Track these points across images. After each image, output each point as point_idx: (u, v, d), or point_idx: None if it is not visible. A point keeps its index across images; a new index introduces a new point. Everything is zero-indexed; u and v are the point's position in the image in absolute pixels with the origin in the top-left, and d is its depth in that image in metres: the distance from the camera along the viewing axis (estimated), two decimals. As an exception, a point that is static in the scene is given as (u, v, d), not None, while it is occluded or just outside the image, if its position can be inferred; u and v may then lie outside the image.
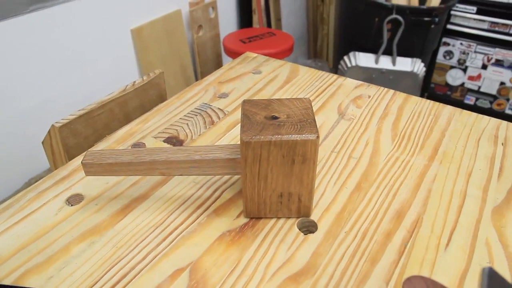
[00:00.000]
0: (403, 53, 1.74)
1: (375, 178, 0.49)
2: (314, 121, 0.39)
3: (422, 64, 1.74)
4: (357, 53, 1.78)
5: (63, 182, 0.48)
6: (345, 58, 1.81)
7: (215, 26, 1.86)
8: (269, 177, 0.40)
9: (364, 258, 0.39)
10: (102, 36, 1.45)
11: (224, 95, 0.66)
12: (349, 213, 0.44)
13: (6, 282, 0.37)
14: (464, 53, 2.00)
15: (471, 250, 0.41)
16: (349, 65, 1.78)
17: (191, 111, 0.62)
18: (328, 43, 2.50)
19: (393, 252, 0.40)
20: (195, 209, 0.45)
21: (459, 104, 2.12)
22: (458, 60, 2.03)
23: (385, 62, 1.75)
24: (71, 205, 0.45)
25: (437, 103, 0.65)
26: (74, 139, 0.61)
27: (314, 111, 0.61)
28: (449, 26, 1.99)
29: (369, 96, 0.66)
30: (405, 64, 1.74)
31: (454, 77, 2.09)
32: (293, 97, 0.44)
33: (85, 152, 0.43)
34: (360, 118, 0.61)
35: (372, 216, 0.44)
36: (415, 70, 1.72)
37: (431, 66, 2.11)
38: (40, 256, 0.39)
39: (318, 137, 0.37)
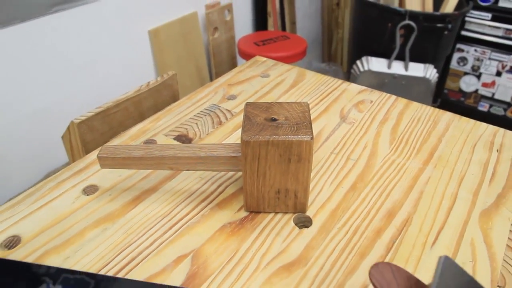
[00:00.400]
0: (416, 58, 1.75)
1: (370, 179, 0.52)
2: (310, 123, 0.42)
3: (435, 70, 1.75)
4: (369, 57, 1.80)
5: (80, 173, 0.53)
6: (358, 62, 1.83)
7: (230, 28, 1.90)
8: (267, 174, 0.43)
9: (354, 253, 0.42)
10: (120, 37, 1.50)
11: (232, 97, 0.69)
12: (343, 211, 0.47)
13: (28, 260, 0.41)
14: (478, 59, 2.00)
15: (456, 249, 0.44)
16: (361, 69, 1.80)
17: (201, 111, 0.66)
18: (343, 47, 2.52)
19: (381, 248, 0.43)
20: (200, 202, 0.48)
21: (473, 110, 2.12)
22: (472, 67, 2.03)
23: (397, 67, 1.77)
24: (87, 195, 0.49)
25: (437, 110, 0.67)
26: (91, 135, 0.65)
27: (317, 114, 0.64)
28: (464, 33, 1.99)
29: (371, 101, 0.69)
30: (418, 69, 1.75)
31: (468, 84, 2.09)
32: (293, 101, 0.47)
33: (100, 147, 0.47)
34: (361, 122, 0.63)
35: (365, 214, 0.47)
36: (427, 76, 1.74)
37: (444, 72, 2.11)
38: (58, 239, 0.43)
39: (312, 138, 0.40)
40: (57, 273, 0.38)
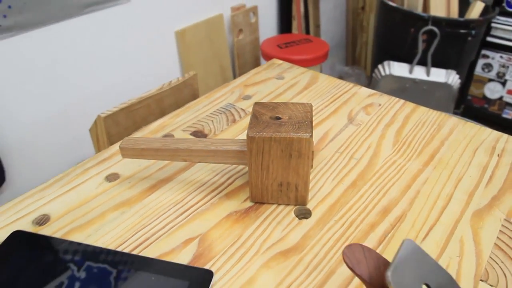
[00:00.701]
0: (438, 64, 1.75)
1: (370, 177, 0.56)
2: (311, 123, 0.46)
3: (457, 76, 1.75)
4: (391, 62, 1.81)
5: (104, 162, 0.58)
6: (379, 66, 1.84)
7: (255, 30, 1.95)
8: (270, 168, 0.47)
9: (347, 243, 0.46)
10: (148, 37, 1.57)
11: (247, 97, 0.74)
12: (341, 205, 0.51)
13: (56, 236, 0.46)
14: (503, 66, 1.98)
15: (445, 245, 0.47)
16: (383, 73, 1.81)
17: (217, 109, 0.70)
18: (367, 51, 2.53)
19: (374, 241, 0.47)
20: (210, 192, 0.53)
21: (497, 118, 2.10)
22: (497, 73, 2.02)
23: (419, 72, 1.77)
24: (109, 182, 0.54)
25: (443, 114, 0.70)
26: (116, 128, 0.71)
27: (326, 115, 0.68)
28: (489, 39, 1.98)
29: (380, 105, 0.72)
30: (439, 75, 1.75)
31: (492, 90, 2.07)
32: (298, 102, 0.51)
33: (124, 138, 0.52)
34: (367, 124, 0.67)
35: (361, 209, 0.51)
36: (449, 82, 1.74)
37: (468, 78, 2.10)
38: (82, 219, 0.49)
39: (311, 136, 0.44)
40: (82, 261, 0.43)
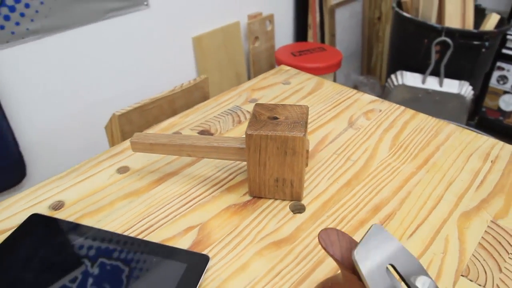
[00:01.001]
0: (452, 75, 1.76)
1: (364, 178, 0.58)
2: (306, 123, 0.50)
3: (470, 87, 1.76)
4: (404, 72, 1.83)
5: (116, 156, 0.62)
6: (392, 76, 1.86)
7: (270, 38, 1.99)
8: (267, 164, 0.51)
9: (337, 236, 0.49)
10: (166, 42, 1.63)
11: (254, 100, 0.78)
12: (334, 203, 0.54)
13: (69, 219, 0.51)
14: (519, 79, 1.98)
15: (430, 242, 0.49)
16: (395, 83, 1.83)
17: (224, 111, 0.74)
18: (382, 61, 2.54)
19: (362, 236, 0.49)
20: (212, 186, 0.57)
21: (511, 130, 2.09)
22: (513, 86, 2.01)
23: (432, 83, 1.79)
24: (120, 174, 0.59)
25: (442, 121, 0.72)
26: (129, 126, 0.75)
27: (327, 119, 0.71)
28: (504, 51, 1.98)
29: (380, 110, 0.75)
30: (452, 86, 1.76)
31: (508, 103, 2.07)
32: (295, 104, 0.54)
33: (135, 134, 0.56)
34: (366, 128, 0.70)
35: (353, 207, 0.54)
36: (462, 93, 1.74)
37: (483, 90, 2.10)
38: (93, 206, 0.53)
39: (304, 135, 0.48)
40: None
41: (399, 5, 1.92)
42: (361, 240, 0.30)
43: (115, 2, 1.45)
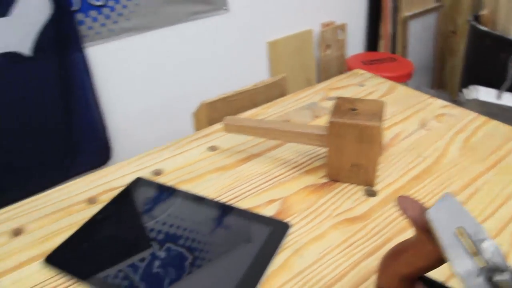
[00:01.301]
0: (530, 92, 1.71)
1: (433, 173, 0.62)
2: (381, 115, 0.55)
3: (549, 106, 1.69)
4: (478, 86, 1.80)
5: (205, 137, 0.71)
6: (465, 90, 1.84)
7: (342, 46, 2.04)
8: (345, 151, 0.56)
9: (405, 222, 0.54)
10: (242, 45, 1.73)
11: (331, 98, 0.83)
12: (404, 192, 0.59)
13: (167, 184, 0.59)
14: None
15: (497, 234, 0.52)
16: (468, 98, 1.80)
17: (303, 106, 0.81)
18: (455, 75, 2.49)
19: (430, 222, 0.54)
20: (292, 168, 0.63)
21: None
22: None
23: (507, 99, 1.74)
24: (211, 151, 0.67)
25: (516, 129, 0.74)
26: (215, 114, 0.84)
27: (399, 119, 0.76)
28: None
29: (452, 115, 0.77)
30: (529, 103, 1.70)
31: None
32: (372, 99, 0.59)
33: (225, 117, 0.64)
34: (437, 130, 0.73)
35: (421, 197, 0.58)
36: (539, 111, 1.68)
37: None
38: (187, 175, 0.61)
39: (380, 125, 0.53)
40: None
41: (476, 18, 1.89)
42: (433, 204, 0.35)
43: (199, 5, 1.58)
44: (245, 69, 1.77)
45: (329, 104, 0.82)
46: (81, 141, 1.43)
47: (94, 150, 1.47)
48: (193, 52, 1.60)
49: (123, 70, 1.44)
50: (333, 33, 1.98)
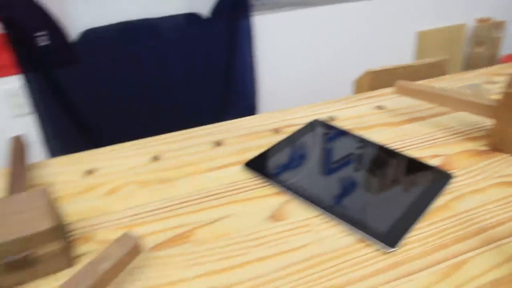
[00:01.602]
0: None
1: None
2: None
3: None
4: None
5: (373, 98, 0.80)
6: None
7: (496, 45, 1.94)
8: (515, 121, 0.61)
9: None
10: (388, 32, 1.76)
11: (494, 82, 0.86)
12: None
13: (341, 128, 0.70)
14: None
15: None
16: None
17: (464, 85, 0.85)
18: None
19: None
20: (451, 134, 0.69)
21: None
22: None
23: None
24: (377, 110, 0.76)
25: None
26: (376, 83, 0.92)
27: None
28: None
29: None
30: None
31: None
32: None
33: (398, 80, 0.72)
34: None
35: None
36: None
37: None
38: (356, 125, 0.71)
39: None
40: (359, 143, 0.64)
41: None
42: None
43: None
44: (391, 55, 1.80)
45: (493, 87, 0.84)
46: (232, 100, 1.62)
47: (240, 108, 1.65)
48: (337, 34, 1.68)
49: (282, 41, 1.59)
50: (488, 30, 1.89)
